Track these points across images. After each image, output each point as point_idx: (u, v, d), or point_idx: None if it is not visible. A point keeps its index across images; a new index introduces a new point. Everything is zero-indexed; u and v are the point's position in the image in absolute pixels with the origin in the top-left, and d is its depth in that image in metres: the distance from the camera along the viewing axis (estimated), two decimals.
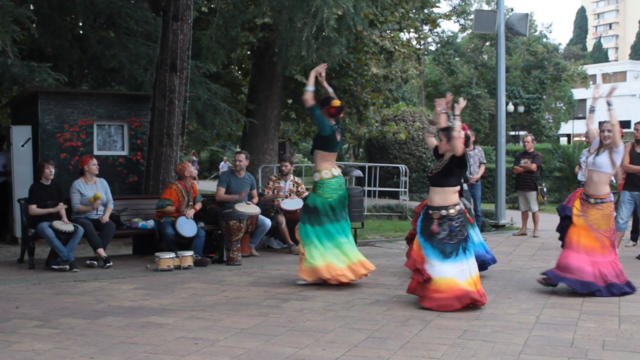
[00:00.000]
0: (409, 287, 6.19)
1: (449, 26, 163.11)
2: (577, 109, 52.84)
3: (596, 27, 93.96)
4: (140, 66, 12.05)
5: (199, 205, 8.84)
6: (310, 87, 7.00)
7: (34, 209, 8.09)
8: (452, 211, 6.00)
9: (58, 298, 6.40)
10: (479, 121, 39.93)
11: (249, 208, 8.93)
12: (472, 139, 10.88)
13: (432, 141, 6.57)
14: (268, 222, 9.20)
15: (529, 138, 11.84)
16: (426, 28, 26.58)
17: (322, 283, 6.96)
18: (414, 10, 17.98)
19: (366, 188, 16.15)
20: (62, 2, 11.88)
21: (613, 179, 9.40)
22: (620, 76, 61.92)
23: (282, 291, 6.74)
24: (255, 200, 9.27)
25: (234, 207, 8.76)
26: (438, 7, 19.88)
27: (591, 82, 51.06)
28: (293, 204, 9.51)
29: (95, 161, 8.57)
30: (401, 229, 12.50)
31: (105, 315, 5.65)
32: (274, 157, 15.42)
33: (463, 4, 42.01)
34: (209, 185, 25.58)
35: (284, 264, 8.46)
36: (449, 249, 5.92)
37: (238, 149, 10.54)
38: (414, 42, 22.10)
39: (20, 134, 10.17)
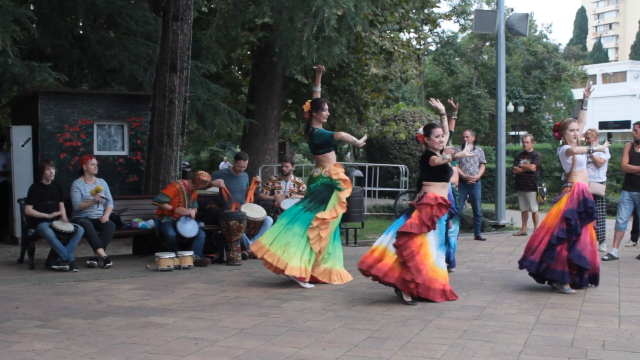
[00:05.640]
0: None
1: (449, 26, 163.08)
2: (577, 109, 52.80)
3: (596, 27, 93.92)
4: (140, 66, 12.05)
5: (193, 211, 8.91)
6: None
7: (30, 209, 8.09)
8: None
9: (58, 298, 6.40)
10: (479, 121, 39.94)
11: (254, 212, 8.92)
12: (473, 138, 10.92)
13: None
14: (270, 221, 9.21)
15: (529, 138, 11.84)
16: (426, 28, 26.63)
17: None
18: (414, 11, 18.01)
19: (366, 188, 16.14)
20: (62, 2, 11.88)
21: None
22: (620, 76, 61.87)
23: (282, 291, 6.74)
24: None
25: (241, 208, 8.78)
26: (438, 7, 19.92)
27: (591, 82, 51.08)
28: (293, 204, 9.50)
29: (94, 161, 8.57)
30: None
31: (105, 315, 5.65)
32: (274, 157, 15.41)
33: (463, 4, 42.01)
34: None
35: None
36: None
37: (238, 151, 10.55)
38: (414, 43, 22.11)
39: (20, 134, 10.17)
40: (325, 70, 7.50)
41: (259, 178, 9.46)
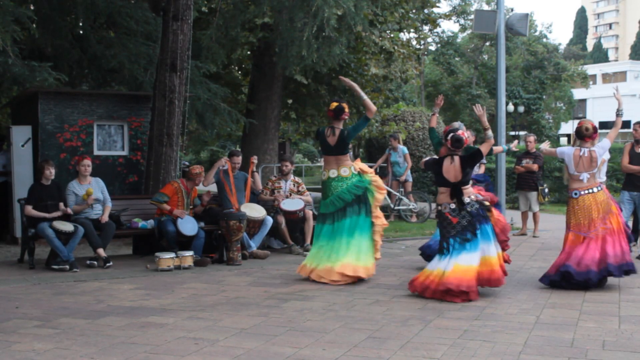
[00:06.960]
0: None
1: (449, 26, 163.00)
2: (577, 109, 52.80)
3: (596, 27, 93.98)
4: (140, 66, 12.04)
5: (198, 209, 8.94)
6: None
7: (29, 209, 8.09)
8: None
9: (58, 298, 6.40)
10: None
11: (254, 212, 8.91)
12: (472, 139, 10.92)
13: None
14: (270, 220, 9.21)
15: (532, 138, 11.86)
16: (426, 28, 26.59)
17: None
18: (414, 11, 17.98)
19: None
20: (62, 2, 11.88)
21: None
22: (620, 76, 61.94)
23: (282, 291, 6.74)
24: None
25: (241, 208, 8.78)
26: (438, 7, 19.90)
27: (591, 82, 51.07)
28: (293, 204, 9.51)
29: (86, 162, 8.51)
30: (401, 229, 12.49)
31: (105, 315, 5.65)
32: (274, 157, 15.40)
33: (463, 4, 42.00)
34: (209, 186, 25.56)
35: (284, 264, 8.46)
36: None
37: (232, 150, 10.55)
38: (414, 42, 22.09)
39: (20, 134, 10.16)
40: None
41: (255, 159, 9.43)
